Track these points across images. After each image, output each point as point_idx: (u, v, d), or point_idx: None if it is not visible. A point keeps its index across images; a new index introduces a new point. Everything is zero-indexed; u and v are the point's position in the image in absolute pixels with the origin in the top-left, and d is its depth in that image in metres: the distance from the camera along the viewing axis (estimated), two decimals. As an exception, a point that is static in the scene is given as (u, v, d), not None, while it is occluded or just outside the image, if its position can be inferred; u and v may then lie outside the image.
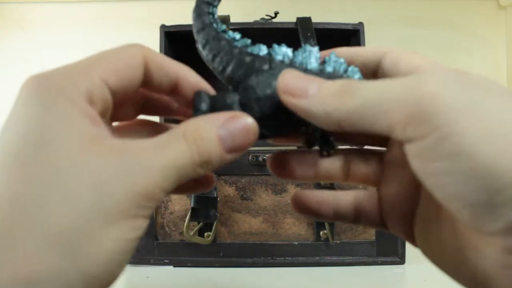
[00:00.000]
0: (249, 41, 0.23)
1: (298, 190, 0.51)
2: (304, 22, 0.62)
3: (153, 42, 0.66)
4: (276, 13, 0.67)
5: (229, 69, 0.22)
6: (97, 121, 0.16)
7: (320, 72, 0.21)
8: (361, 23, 0.64)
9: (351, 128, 0.17)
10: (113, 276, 0.15)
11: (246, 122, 0.18)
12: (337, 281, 0.46)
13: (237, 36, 0.24)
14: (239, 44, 0.24)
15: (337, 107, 0.17)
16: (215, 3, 0.25)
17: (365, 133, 0.17)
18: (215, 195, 0.50)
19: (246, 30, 0.62)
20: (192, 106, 0.21)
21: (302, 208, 0.24)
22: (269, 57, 0.22)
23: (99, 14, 0.89)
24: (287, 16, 0.65)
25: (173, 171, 0.16)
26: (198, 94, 0.21)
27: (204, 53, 0.24)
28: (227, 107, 0.20)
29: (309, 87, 0.18)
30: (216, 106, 0.21)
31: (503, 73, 0.91)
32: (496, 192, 0.13)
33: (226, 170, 0.51)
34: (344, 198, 0.23)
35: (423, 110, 0.14)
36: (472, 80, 0.15)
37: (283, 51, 0.22)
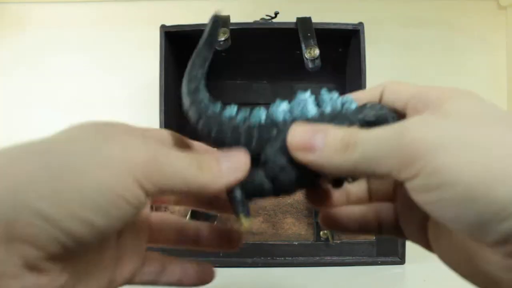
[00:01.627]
0: (247, 112, 0.24)
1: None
2: (304, 22, 0.62)
3: (153, 42, 0.66)
4: (276, 13, 0.67)
5: (242, 147, 0.23)
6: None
7: (321, 116, 0.22)
8: (361, 23, 0.64)
9: (358, 175, 0.20)
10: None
11: None
12: (337, 281, 0.46)
13: (234, 110, 0.24)
14: (238, 119, 0.23)
15: (341, 161, 0.19)
16: (207, 65, 0.25)
17: (370, 177, 0.21)
18: (215, 195, 0.50)
19: (246, 30, 0.62)
20: (230, 200, 0.22)
21: (331, 224, 0.27)
22: (271, 122, 0.23)
23: (99, 14, 0.89)
24: (287, 16, 0.65)
25: (173, 167, 0.19)
26: (231, 191, 0.22)
27: (211, 138, 0.24)
28: (258, 188, 0.22)
29: (315, 142, 0.20)
30: (249, 191, 0.22)
31: (503, 73, 0.91)
32: (482, 212, 0.16)
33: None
34: (368, 212, 0.26)
35: (410, 155, 0.17)
36: (452, 117, 0.18)
37: (281, 110, 0.23)
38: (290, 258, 0.51)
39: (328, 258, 0.51)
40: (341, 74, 0.75)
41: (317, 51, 0.58)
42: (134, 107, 0.89)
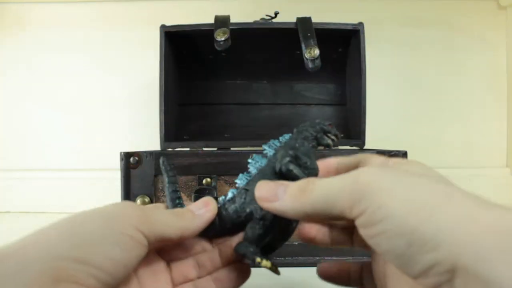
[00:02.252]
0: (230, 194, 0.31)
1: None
2: (304, 22, 0.62)
3: (153, 42, 0.66)
4: (276, 13, 0.67)
5: (229, 225, 0.30)
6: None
7: (270, 162, 0.30)
8: (361, 23, 0.64)
9: (317, 216, 0.23)
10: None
11: None
12: (337, 281, 0.47)
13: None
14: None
15: (301, 205, 0.24)
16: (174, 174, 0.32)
17: (328, 217, 0.26)
18: (215, 195, 0.50)
19: (246, 30, 0.62)
20: (243, 255, 0.29)
21: (327, 278, 0.32)
22: (241, 190, 0.30)
23: (99, 14, 0.89)
24: (287, 16, 0.65)
25: (156, 216, 0.26)
26: (236, 250, 0.29)
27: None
28: (252, 250, 0.28)
29: (278, 192, 0.25)
30: (252, 242, 0.28)
31: (503, 73, 0.91)
32: (410, 244, 0.19)
33: (226, 170, 0.51)
34: (355, 267, 0.31)
35: (360, 195, 0.21)
36: (397, 170, 0.23)
37: (241, 177, 0.31)
38: (290, 258, 0.51)
39: (328, 258, 0.51)
40: (341, 74, 0.75)
41: (317, 51, 0.58)
42: (134, 107, 0.89)
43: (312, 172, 0.29)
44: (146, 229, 0.24)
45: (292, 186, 0.25)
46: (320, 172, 0.30)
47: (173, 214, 0.27)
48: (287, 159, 0.29)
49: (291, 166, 0.28)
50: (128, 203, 0.27)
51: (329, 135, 0.31)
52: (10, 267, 0.19)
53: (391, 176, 0.21)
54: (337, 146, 0.31)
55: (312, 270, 0.49)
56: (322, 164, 0.31)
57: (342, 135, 0.30)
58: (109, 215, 0.24)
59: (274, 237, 0.29)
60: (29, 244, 0.21)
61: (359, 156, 0.29)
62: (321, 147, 0.31)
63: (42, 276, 0.20)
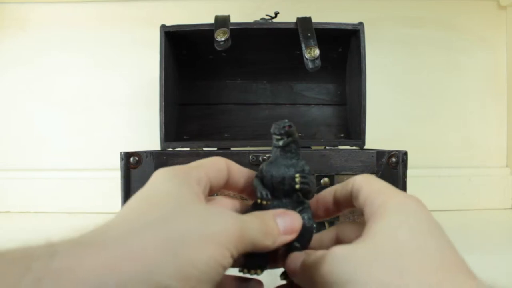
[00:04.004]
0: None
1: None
2: (304, 22, 0.62)
3: (153, 42, 0.66)
4: (276, 13, 0.67)
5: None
6: (199, 195, 0.25)
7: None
8: (361, 23, 0.64)
9: None
10: (196, 283, 0.20)
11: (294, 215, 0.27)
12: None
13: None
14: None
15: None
16: None
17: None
18: (216, 195, 0.50)
19: (246, 30, 0.62)
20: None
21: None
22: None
23: (99, 14, 0.89)
24: (287, 16, 0.65)
25: (250, 234, 0.24)
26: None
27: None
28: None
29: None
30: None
31: (503, 73, 0.91)
32: None
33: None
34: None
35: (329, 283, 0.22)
36: (371, 254, 0.21)
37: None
38: (290, 258, 0.51)
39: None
40: (341, 74, 0.75)
41: (317, 51, 0.58)
42: (134, 107, 0.89)
43: (269, 178, 0.27)
44: (236, 250, 0.22)
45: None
46: (318, 210, 0.30)
47: (263, 230, 0.25)
48: (256, 174, 0.29)
49: (255, 182, 0.28)
50: (225, 216, 0.23)
51: (274, 136, 0.28)
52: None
53: (361, 267, 0.21)
54: (286, 144, 0.28)
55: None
56: (319, 201, 0.30)
57: (286, 129, 0.28)
58: (208, 229, 0.22)
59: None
60: (125, 257, 0.19)
61: (353, 185, 0.28)
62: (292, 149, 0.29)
63: None
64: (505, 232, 0.72)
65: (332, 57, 0.72)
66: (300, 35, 0.59)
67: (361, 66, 0.63)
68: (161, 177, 0.25)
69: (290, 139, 0.28)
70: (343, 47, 0.70)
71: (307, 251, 0.25)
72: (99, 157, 0.88)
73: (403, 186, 0.51)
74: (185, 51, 0.70)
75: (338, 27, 0.63)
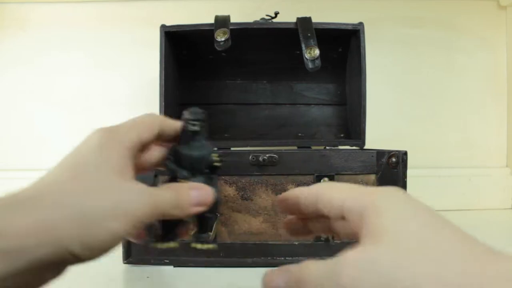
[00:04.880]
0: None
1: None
2: (304, 22, 0.62)
3: (153, 42, 0.66)
4: (276, 13, 0.67)
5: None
6: (125, 167, 0.27)
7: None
8: (361, 23, 0.64)
9: None
10: (98, 253, 0.24)
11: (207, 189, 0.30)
12: (337, 281, 0.47)
13: None
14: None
15: None
16: None
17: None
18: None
19: (246, 30, 0.62)
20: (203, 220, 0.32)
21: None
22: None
23: (99, 14, 0.89)
24: (287, 16, 0.65)
25: (161, 207, 0.27)
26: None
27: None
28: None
29: None
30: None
31: (503, 73, 0.91)
32: None
33: (226, 170, 0.51)
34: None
35: None
36: (381, 255, 0.21)
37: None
38: (290, 258, 0.51)
39: (328, 258, 0.51)
40: (341, 74, 0.75)
41: (317, 51, 0.58)
42: (134, 107, 0.89)
43: (188, 158, 0.31)
44: (148, 219, 0.26)
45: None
46: (282, 208, 0.31)
47: (175, 203, 0.28)
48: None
49: (170, 165, 0.31)
50: (143, 191, 0.27)
51: (189, 122, 0.31)
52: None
53: (377, 271, 0.21)
54: (201, 128, 0.31)
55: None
56: (283, 201, 0.30)
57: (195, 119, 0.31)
58: (118, 207, 0.25)
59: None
60: (36, 226, 0.22)
61: (316, 191, 0.28)
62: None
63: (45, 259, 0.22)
64: (505, 232, 0.72)
65: (332, 57, 0.72)
66: (300, 35, 0.59)
67: (361, 66, 0.63)
68: (92, 143, 0.27)
69: (204, 124, 0.31)
70: (343, 47, 0.70)
71: (287, 267, 0.25)
72: (99, 157, 0.87)
73: (403, 186, 0.51)
74: (185, 51, 0.70)
75: (338, 27, 0.63)
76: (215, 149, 0.32)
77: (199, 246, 0.32)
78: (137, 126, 0.29)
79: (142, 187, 0.27)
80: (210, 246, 0.32)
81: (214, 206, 0.30)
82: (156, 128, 0.30)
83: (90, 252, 0.24)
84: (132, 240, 0.34)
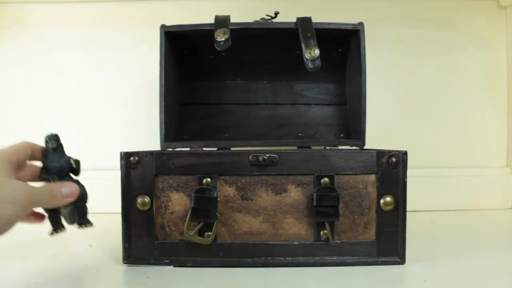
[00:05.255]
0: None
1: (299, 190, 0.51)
2: (304, 22, 0.62)
3: (153, 42, 0.66)
4: (276, 13, 0.67)
5: None
6: (8, 172, 0.40)
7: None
8: (361, 23, 0.64)
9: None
10: None
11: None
12: (337, 281, 0.46)
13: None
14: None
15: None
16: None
17: None
18: (215, 195, 0.50)
19: (246, 30, 0.62)
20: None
21: None
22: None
23: (99, 14, 0.89)
24: (287, 16, 0.65)
25: (38, 198, 0.41)
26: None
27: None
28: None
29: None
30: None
31: (503, 73, 0.91)
32: None
33: (226, 170, 0.51)
34: None
35: None
36: None
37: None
38: (290, 258, 0.51)
39: (328, 258, 0.51)
40: (341, 74, 0.75)
41: (317, 51, 0.58)
42: (134, 107, 0.89)
43: (55, 167, 0.46)
44: (29, 208, 0.42)
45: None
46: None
47: (49, 195, 0.42)
48: None
49: (43, 176, 0.46)
50: (23, 186, 0.40)
51: (50, 142, 0.47)
52: None
53: None
54: (58, 145, 0.47)
55: (312, 270, 0.49)
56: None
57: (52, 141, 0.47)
58: (8, 195, 0.37)
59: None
60: None
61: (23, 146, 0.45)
62: None
63: None
64: (505, 232, 0.72)
65: (332, 57, 0.72)
66: (300, 35, 0.59)
67: (361, 66, 0.63)
68: None
69: (59, 141, 0.47)
70: (343, 47, 0.70)
71: None
72: (99, 157, 0.88)
73: (403, 186, 0.51)
74: (185, 51, 0.70)
75: (338, 27, 0.63)
76: (72, 157, 0.47)
77: (83, 227, 0.48)
78: (13, 148, 0.43)
79: (25, 184, 0.40)
80: (89, 225, 0.49)
81: (82, 197, 0.46)
82: (29, 151, 0.45)
83: None
84: (26, 223, 0.46)
